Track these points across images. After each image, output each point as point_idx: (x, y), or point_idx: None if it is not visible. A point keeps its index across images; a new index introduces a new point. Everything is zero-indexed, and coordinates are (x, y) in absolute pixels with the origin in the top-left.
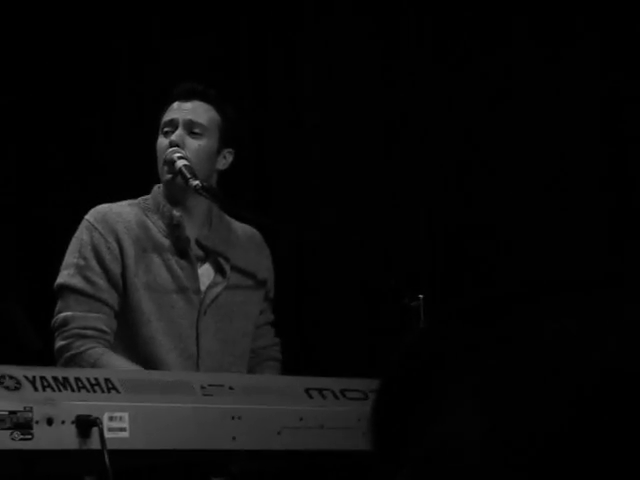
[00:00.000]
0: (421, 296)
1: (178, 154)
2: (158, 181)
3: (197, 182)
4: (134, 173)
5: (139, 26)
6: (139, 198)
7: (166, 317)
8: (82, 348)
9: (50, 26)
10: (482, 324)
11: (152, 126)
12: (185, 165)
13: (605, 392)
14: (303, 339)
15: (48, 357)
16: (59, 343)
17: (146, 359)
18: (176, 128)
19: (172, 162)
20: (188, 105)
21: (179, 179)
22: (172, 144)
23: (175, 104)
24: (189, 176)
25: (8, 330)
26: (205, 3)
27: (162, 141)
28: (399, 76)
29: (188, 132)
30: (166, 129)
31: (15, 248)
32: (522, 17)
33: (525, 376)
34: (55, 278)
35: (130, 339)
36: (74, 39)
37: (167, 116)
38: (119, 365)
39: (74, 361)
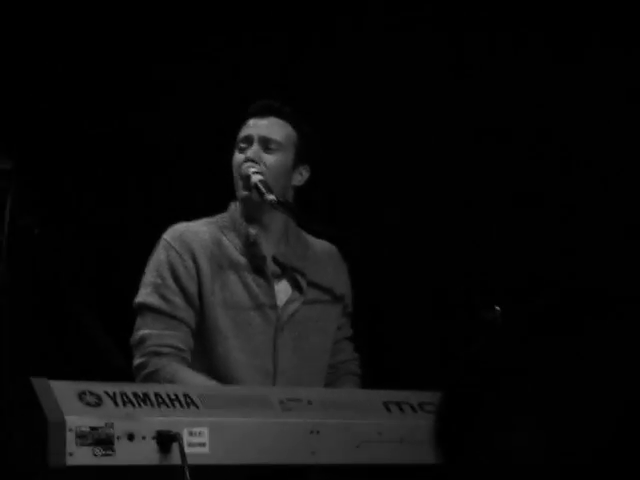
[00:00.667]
0: (497, 307)
1: (254, 169)
2: (235, 198)
3: (273, 197)
4: (211, 191)
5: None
6: (216, 216)
7: (243, 334)
8: (158, 366)
9: (121, 43)
10: (544, 340)
11: (230, 143)
12: (261, 180)
13: None
14: (380, 352)
15: (130, 373)
16: (137, 361)
17: (222, 376)
18: (252, 144)
19: (248, 177)
20: (264, 122)
21: (255, 194)
22: (248, 160)
23: (251, 121)
24: (264, 191)
25: (90, 347)
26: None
27: (238, 157)
28: (470, 76)
29: (264, 148)
30: (242, 145)
31: (95, 266)
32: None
33: (581, 393)
34: (135, 296)
35: (207, 357)
36: (146, 57)
37: (243, 132)
38: (195, 380)
39: (151, 378)
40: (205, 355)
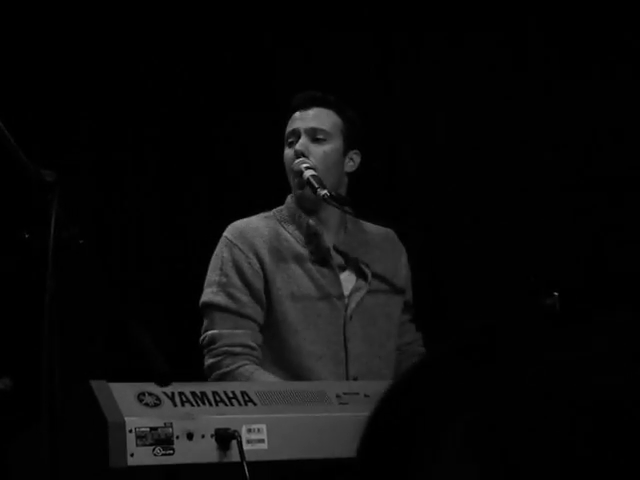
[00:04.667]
0: (556, 293)
1: (305, 164)
2: (290, 191)
3: (325, 192)
4: (267, 185)
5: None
6: (273, 210)
7: (313, 326)
8: (233, 366)
9: (189, 36)
10: (474, 363)
11: (282, 136)
12: (312, 175)
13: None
14: (439, 336)
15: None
16: (209, 361)
17: (295, 369)
18: (299, 137)
19: (300, 173)
20: (309, 113)
21: (308, 189)
22: (297, 154)
23: (297, 114)
24: (317, 186)
25: (137, 355)
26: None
27: (288, 152)
28: (529, 75)
29: (312, 139)
30: (290, 140)
31: (158, 270)
32: None
33: (514, 418)
34: (198, 297)
35: (278, 351)
36: (204, 57)
37: (290, 127)
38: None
39: (226, 379)
40: (276, 349)
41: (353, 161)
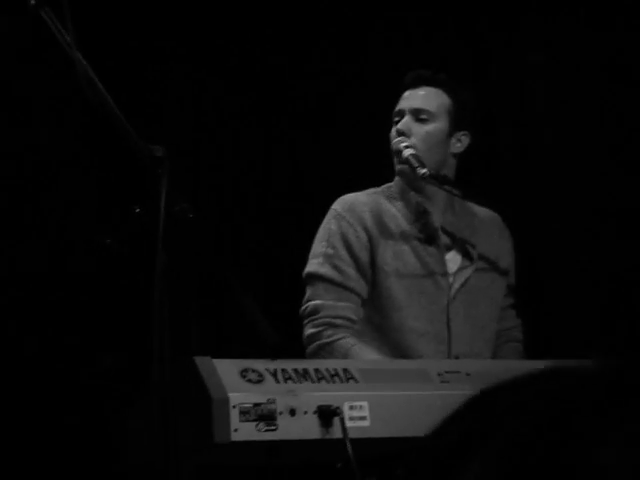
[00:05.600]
0: None
1: (404, 143)
2: None
3: (425, 170)
4: (377, 162)
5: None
6: (383, 186)
7: (416, 303)
8: (333, 337)
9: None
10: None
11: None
12: (412, 154)
13: None
14: (540, 321)
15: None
16: (309, 330)
17: (397, 346)
18: (403, 117)
19: (399, 152)
20: (418, 92)
21: (407, 168)
22: (399, 133)
23: (406, 93)
24: (417, 165)
25: (247, 326)
26: None
27: (393, 131)
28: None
29: (415, 119)
30: (396, 119)
31: (261, 241)
32: None
33: None
34: (301, 269)
35: (380, 326)
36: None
37: (398, 106)
38: (368, 357)
39: (325, 349)
40: (378, 324)
41: (461, 142)
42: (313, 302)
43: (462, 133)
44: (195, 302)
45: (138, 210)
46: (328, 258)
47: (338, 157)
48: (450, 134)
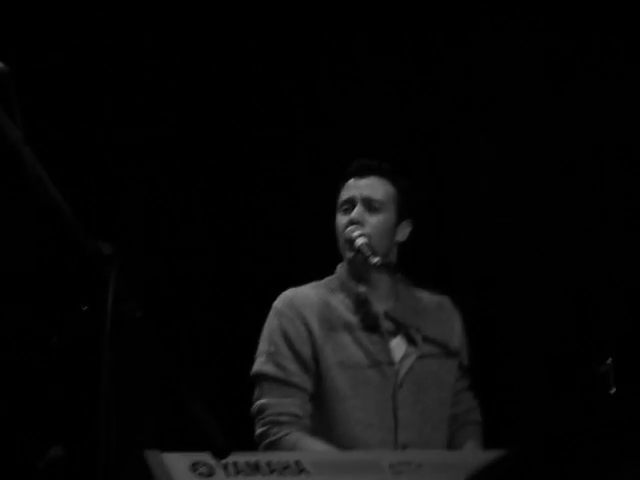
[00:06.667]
0: (610, 360)
1: (357, 232)
2: (341, 260)
3: (377, 259)
4: (318, 253)
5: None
6: (324, 279)
7: (362, 394)
8: (279, 435)
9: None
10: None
11: (331, 205)
12: (365, 243)
13: None
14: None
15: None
16: (258, 430)
17: (343, 437)
18: (354, 206)
19: (351, 241)
20: (364, 182)
21: (359, 257)
22: (352, 222)
23: (351, 181)
24: (369, 253)
25: (194, 427)
26: None
27: (341, 219)
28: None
29: (367, 209)
30: (345, 207)
31: (211, 339)
32: None
33: None
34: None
35: (327, 418)
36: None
37: (345, 194)
38: (316, 448)
39: (272, 448)
40: (324, 417)
41: (404, 231)
42: (259, 401)
43: (406, 222)
44: (147, 397)
45: (85, 308)
46: (270, 356)
47: (286, 246)
48: (397, 223)
